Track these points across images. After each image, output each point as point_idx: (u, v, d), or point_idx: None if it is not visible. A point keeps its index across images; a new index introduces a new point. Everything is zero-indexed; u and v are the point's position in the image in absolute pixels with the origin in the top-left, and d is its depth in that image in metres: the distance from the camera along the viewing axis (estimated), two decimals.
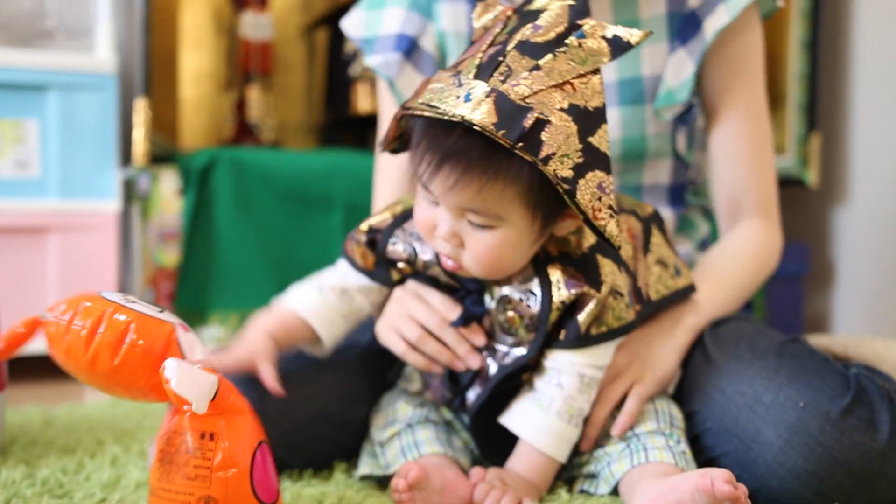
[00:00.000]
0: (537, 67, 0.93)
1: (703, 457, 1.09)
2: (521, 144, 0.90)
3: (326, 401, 1.16)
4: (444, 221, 0.98)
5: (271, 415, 1.13)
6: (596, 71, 0.95)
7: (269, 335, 1.09)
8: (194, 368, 0.87)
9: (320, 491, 1.08)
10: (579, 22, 0.96)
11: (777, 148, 2.53)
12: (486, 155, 0.92)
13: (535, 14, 0.96)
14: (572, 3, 0.97)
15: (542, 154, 0.90)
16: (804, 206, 2.68)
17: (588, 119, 0.94)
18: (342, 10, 2.65)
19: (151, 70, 2.21)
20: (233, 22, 2.66)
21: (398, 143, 1.05)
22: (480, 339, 1.06)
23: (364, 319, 1.15)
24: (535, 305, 1.02)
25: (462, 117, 0.90)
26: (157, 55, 2.34)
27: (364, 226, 1.10)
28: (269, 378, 1.06)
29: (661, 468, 1.01)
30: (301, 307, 1.11)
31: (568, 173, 0.91)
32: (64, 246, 2.06)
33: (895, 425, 0.99)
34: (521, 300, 1.02)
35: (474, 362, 1.06)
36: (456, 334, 1.07)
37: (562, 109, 0.92)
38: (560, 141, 0.91)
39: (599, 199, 0.93)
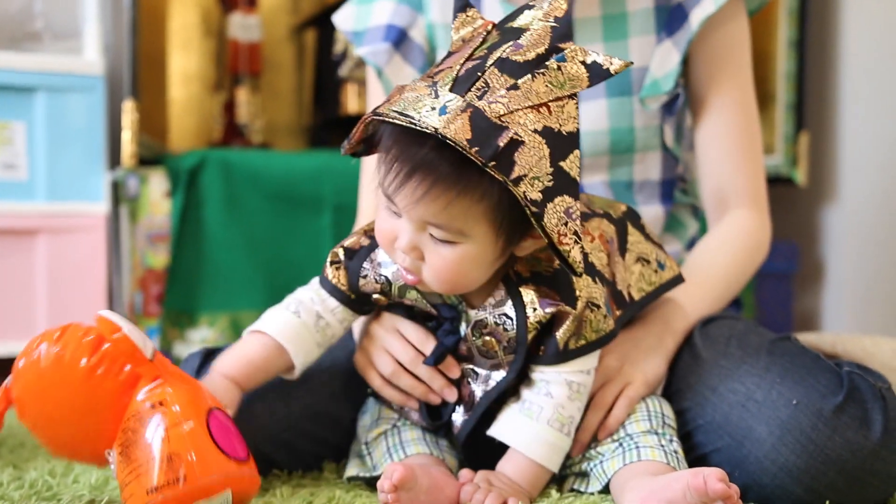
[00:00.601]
0: (515, 87, 0.91)
1: (695, 453, 1.09)
2: (493, 163, 0.88)
3: (314, 399, 1.15)
4: (404, 234, 0.96)
5: (257, 413, 1.13)
6: (573, 96, 0.94)
7: (229, 381, 1.05)
8: (132, 324, 0.95)
9: (310, 491, 1.07)
10: (561, 45, 0.94)
11: (766, 147, 2.53)
12: (456, 170, 0.91)
13: (517, 32, 0.95)
14: (555, 24, 0.95)
15: (514, 175, 0.89)
16: (793, 204, 2.68)
17: (561, 143, 0.92)
18: (331, 11, 2.64)
19: (139, 72, 2.21)
20: (221, 23, 2.65)
21: (362, 146, 1.02)
22: (455, 372, 1.06)
23: (334, 343, 1.12)
24: (511, 328, 1.01)
25: (436, 129, 0.88)
26: (145, 57, 2.33)
27: (338, 249, 1.08)
28: None
29: (653, 467, 1.01)
30: (278, 332, 1.06)
31: (537, 196, 0.90)
32: (52, 248, 2.05)
33: (888, 424, 1.00)
34: (496, 324, 1.01)
35: (450, 396, 1.07)
36: (430, 368, 1.06)
37: (535, 131, 0.91)
38: (532, 163, 0.90)
39: (566, 223, 0.92)
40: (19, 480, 1.13)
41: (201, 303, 2.15)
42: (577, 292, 1.00)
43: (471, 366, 1.06)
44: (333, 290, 1.07)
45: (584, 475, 1.08)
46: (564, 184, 0.92)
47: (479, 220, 0.94)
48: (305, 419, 1.15)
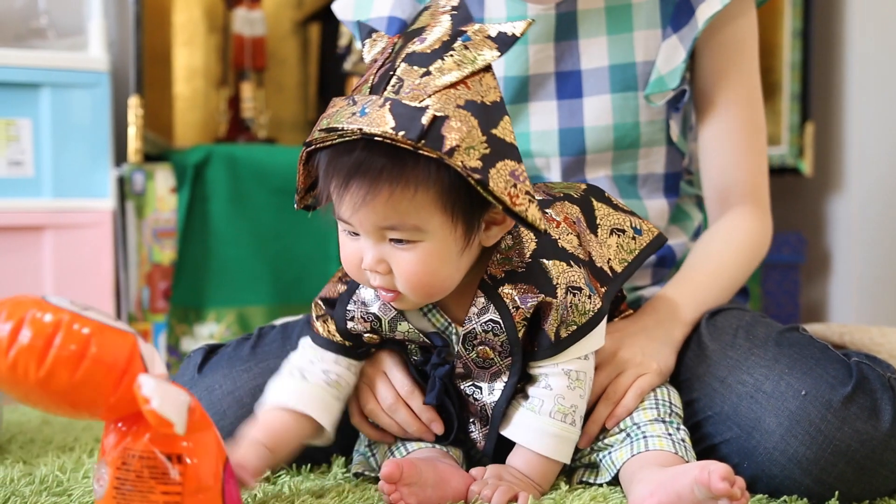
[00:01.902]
0: (428, 73, 0.92)
1: (704, 444, 1.09)
2: (422, 142, 0.88)
3: None
4: (367, 250, 0.96)
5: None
6: (487, 69, 0.94)
7: (262, 447, 1.01)
8: (170, 386, 0.79)
9: (318, 485, 1.07)
10: (463, 28, 0.95)
11: (772, 138, 2.53)
12: (390, 162, 0.91)
13: (420, 31, 0.96)
14: (454, 12, 0.96)
15: (446, 148, 0.89)
16: (799, 195, 2.68)
17: (487, 112, 0.92)
18: None
19: (144, 67, 2.21)
20: (225, 18, 2.65)
21: (311, 197, 1.02)
22: (438, 428, 1.06)
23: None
24: (500, 332, 1.00)
25: (360, 129, 0.89)
26: (150, 52, 2.33)
27: (318, 301, 1.07)
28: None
29: (662, 457, 1.01)
30: (295, 402, 1.04)
31: (476, 164, 0.90)
32: (59, 245, 2.05)
33: None
34: (485, 332, 1.01)
35: (437, 429, 1.07)
36: (407, 413, 1.06)
37: (458, 106, 0.91)
38: (462, 134, 0.90)
39: (514, 185, 0.91)
40: (30, 476, 1.13)
41: (208, 298, 2.15)
42: (555, 280, 1.00)
43: (471, 382, 1.05)
44: (328, 344, 1.06)
45: (593, 466, 1.08)
46: (502, 149, 0.92)
47: (431, 210, 0.93)
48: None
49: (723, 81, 1.27)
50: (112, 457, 0.81)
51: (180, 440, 0.80)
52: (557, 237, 1.03)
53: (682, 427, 1.06)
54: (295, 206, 1.04)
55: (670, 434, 1.03)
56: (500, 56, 0.94)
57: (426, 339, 1.05)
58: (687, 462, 1.01)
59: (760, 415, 1.04)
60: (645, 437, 1.03)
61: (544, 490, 1.03)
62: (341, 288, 1.06)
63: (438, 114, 0.89)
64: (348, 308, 1.05)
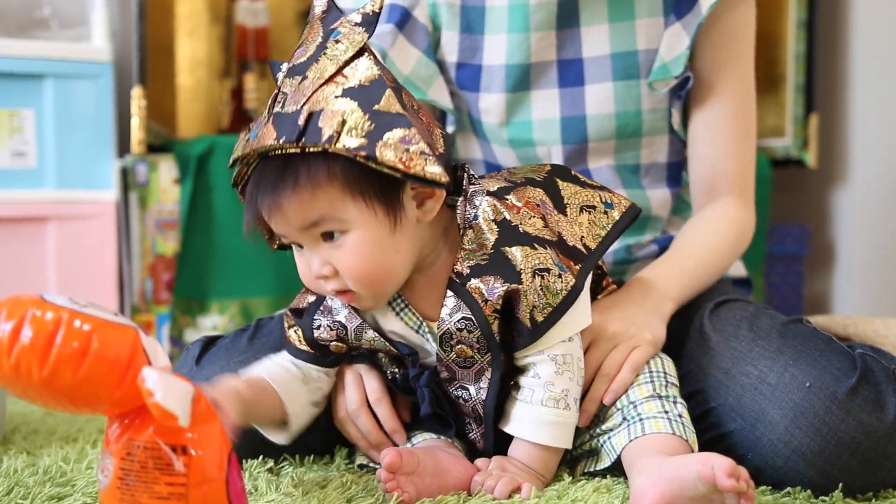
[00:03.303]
0: (305, 78, 0.95)
1: (708, 435, 1.09)
2: (303, 140, 0.92)
3: None
4: (312, 258, 0.98)
5: None
6: (360, 53, 0.96)
7: (237, 392, 0.99)
8: (173, 378, 0.78)
9: (322, 476, 1.08)
10: (333, 27, 0.98)
11: (776, 129, 2.53)
12: (283, 168, 0.94)
13: (301, 45, 1.00)
14: (322, 16, 0.99)
15: (325, 137, 0.91)
16: (803, 187, 2.68)
17: (366, 91, 0.94)
18: None
19: (147, 58, 2.20)
20: (228, 9, 2.64)
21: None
22: (404, 415, 1.09)
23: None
24: (473, 328, 1.00)
25: (252, 151, 0.94)
26: (153, 43, 2.33)
27: (287, 312, 1.09)
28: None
29: (660, 441, 1.00)
30: (270, 376, 1.06)
31: (361, 141, 0.91)
32: (62, 236, 2.05)
33: None
34: (459, 330, 1.00)
35: (399, 439, 1.08)
36: (369, 420, 1.08)
37: (336, 97, 0.93)
38: (338, 119, 0.92)
39: (406, 150, 0.93)
40: (33, 467, 1.13)
41: (212, 289, 2.16)
42: (519, 266, 0.99)
43: (458, 384, 1.05)
44: (298, 353, 1.08)
45: (595, 453, 1.07)
46: (388, 121, 0.93)
47: (342, 200, 0.95)
48: None
49: (719, 71, 1.27)
50: (116, 447, 0.81)
51: (185, 432, 0.79)
52: (518, 223, 1.01)
53: (678, 400, 1.05)
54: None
55: (667, 411, 1.02)
56: (369, 37, 0.97)
57: (392, 348, 1.05)
58: (685, 440, 1.00)
59: (764, 406, 1.04)
60: (641, 419, 1.02)
61: (547, 479, 1.03)
62: (310, 297, 1.08)
63: (314, 110, 0.92)
64: (314, 318, 1.06)
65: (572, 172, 1.11)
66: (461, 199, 1.02)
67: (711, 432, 1.09)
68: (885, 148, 2.46)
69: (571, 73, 1.27)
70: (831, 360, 1.03)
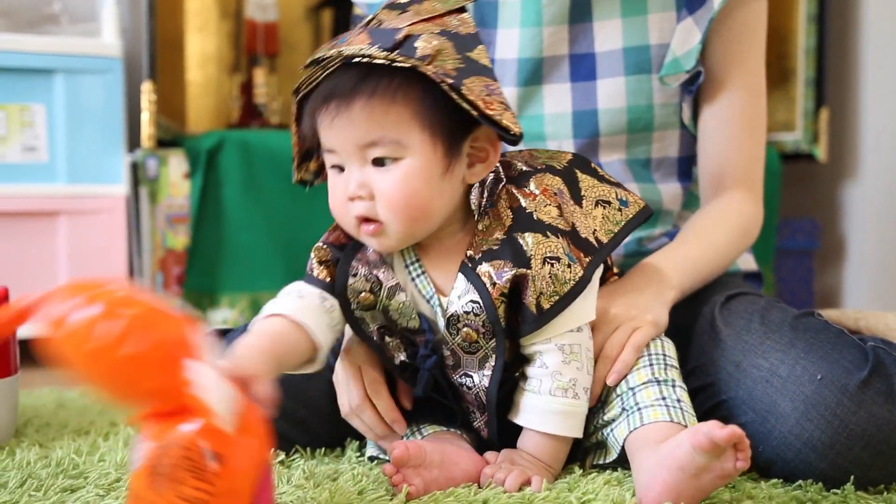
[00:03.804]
0: (405, 11, 0.96)
1: None
2: (396, 52, 0.92)
3: (330, 378, 1.15)
4: (351, 176, 0.96)
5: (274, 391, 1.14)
6: (461, 10, 0.98)
7: (272, 357, 0.94)
8: (221, 379, 0.78)
9: (333, 468, 1.08)
10: None
11: (786, 124, 2.52)
12: (366, 76, 0.93)
13: None
14: None
15: (419, 54, 0.92)
16: (814, 181, 2.67)
17: (462, 39, 0.96)
18: None
19: (157, 53, 2.21)
20: (238, 4, 2.65)
21: (306, 170, 1.06)
22: (406, 404, 1.08)
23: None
24: (480, 311, 0.99)
25: (339, 52, 0.93)
26: (163, 39, 2.34)
27: (323, 246, 1.05)
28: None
29: (657, 430, 0.99)
30: (291, 311, 1.00)
31: (451, 71, 0.93)
32: (73, 230, 2.06)
33: None
34: (466, 313, 1.00)
35: (399, 429, 1.07)
36: (373, 413, 1.07)
37: (433, 33, 0.95)
38: (436, 47, 0.93)
39: (489, 95, 0.94)
40: (46, 459, 1.14)
41: (222, 283, 2.16)
42: (529, 252, 0.99)
43: (462, 371, 1.05)
44: (323, 285, 1.03)
45: (602, 445, 1.07)
46: (477, 68, 0.95)
47: (410, 125, 0.94)
48: (323, 398, 1.15)
49: (730, 66, 1.27)
50: (155, 436, 0.79)
51: (225, 440, 0.78)
52: (533, 209, 1.02)
53: (677, 384, 1.04)
54: (292, 179, 1.07)
55: (664, 398, 1.01)
56: (472, 1, 0.98)
57: (416, 318, 1.03)
58: (685, 426, 0.99)
59: (776, 399, 1.03)
60: (639, 408, 1.01)
61: (556, 470, 1.03)
62: (341, 239, 1.04)
63: (411, 33, 0.93)
64: (352, 263, 1.03)
65: (591, 165, 1.11)
66: (477, 184, 1.02)
67: None
68: None
69: (583, 68, 1.27)
70: (843, 352, 1.03)
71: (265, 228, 2.17)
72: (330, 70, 0.94)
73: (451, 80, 0.92)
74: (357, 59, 0.93)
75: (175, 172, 2.14)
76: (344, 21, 2.63)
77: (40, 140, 2.05)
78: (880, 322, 1.47)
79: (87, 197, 2.07)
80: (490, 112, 0.94)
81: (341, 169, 0.98)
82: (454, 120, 0.95)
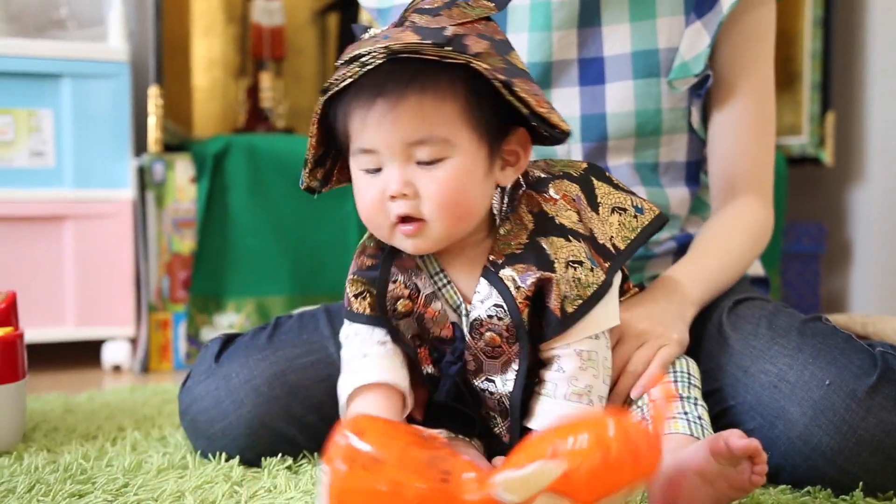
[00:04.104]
0: (438, 14, 0.95)
1: None
2: (449, 48, 0.91)
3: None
4: (392, 178, 0.94)
5: (279, 395, 1.14)
6: (488, 18, 0.98)
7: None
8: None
9: None
10: None
11: (792, 127, 2.52)
12: (417, 72, 0.92)
13: None
14: None
15: (471, 51, 0.92)
16: (820, 185, 2.67)
17: (501, 44, 0.96)
18: None
19: (164, 58, 2.21)
20: (244, 8, 2.65)
21: (315, 179, 1.06)
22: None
23: None
24: (504, 314, 0.99)
25: (385, 47, 0.90)
26: (169, 43, 2.34)
27: (355, 277, 1.04)
28: None
29: (676, 442, 0.99)
30: (368, 377, 1.00)
31: (500, 70, 0.93)
32: (80, 234, 2.06)
33: None
34: (490, 317, 0.99)
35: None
36: None
37: (476, 35, 0.95)
38: (483, 46, 0.93)
39: (536, 94, 0.95)
40: (54, 464, 1.14)
41: (228, 288, 2.16)
42: (552, 256, 0.98)
43: (484, 376, 1.04)
44: (368, 319, 1.03)
45: None
46: (518, 71, 0.95)
47: (458, 123, 0.94)
48: (332, 403, 1.15)
49: (739, 71, 1.27)
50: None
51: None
52: (555, 214, 1.02)
53: (699, 402, 1.04)
54: (301, 183, 1.05)
55: (686, 412, 1.02)
56: (497, 11, 0.98)
57: (450, 325, 1.02)
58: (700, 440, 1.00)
59: (784, 404, 1.03)
60: None
61: None
62: (369, 261, 1.04)
63: (458, 32, 0.93)
64: (392, 269, 1.02)
65: (606, 173, 1.12)
66: (497, 190, 1.02)
67: None
68: None
69: (592, 72, 1.27)
70: (851, 358, 1.03)
71: (271, 233, 2.18)
72: (369, 68, 0.92)
73: (503, 77, 0.92)
74: (404, 56, 0.91)
75: (181, 177, 2.14)
76: (350, 25, 2.64)
77: (47, 145, 2.06)
78: (888, 326, 1.47)
79: (93, 201, 2.07)
80: (540, 110, 0.94)
81: (374, 171, 0.97)
82: (499, 119, 0.96)
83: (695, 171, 1.33)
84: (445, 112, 0.93)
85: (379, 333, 1.03)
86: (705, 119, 1.31)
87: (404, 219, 0.96)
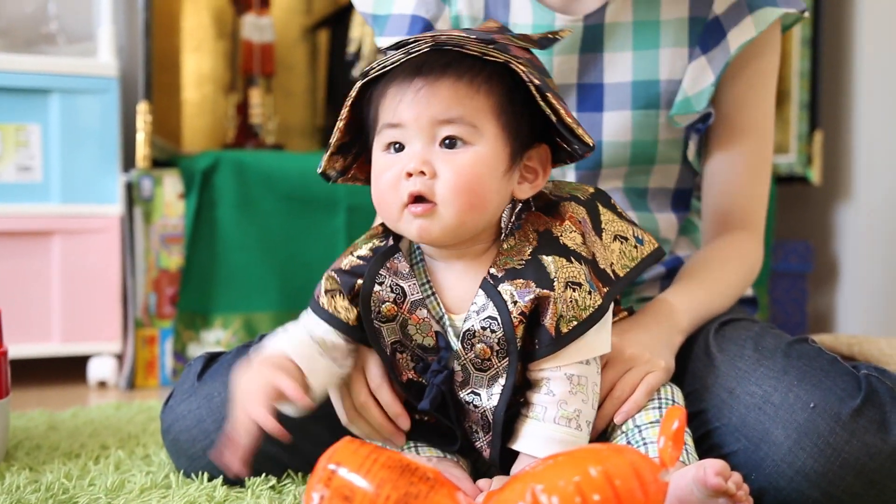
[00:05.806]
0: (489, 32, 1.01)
1: (711, 455, 1.08)
2: (492, 47, 0.95)
3: (324, 402, 1.14)
4: (413, 154, 0.97)
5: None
6: (528, 50, 1.02)
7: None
8: None
9: None
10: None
11: (780, 146, 2.53)
12: (457, 60, 0.96)
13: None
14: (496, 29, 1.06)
15: (512, 54, 0.96)
16: (807, 203, 2.68)
17: (538, 66, 1.01)
18: (344, 12, 2.65)
19: (153, 73, 2.21)
20: (234, 24, 2.65)
21: (334, 168, 1.06)
22: (404, 423, 1.06)
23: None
24: (498, 328, 0.99)
25: (433, 36, 0.95)
26: (159, 58, 2.34)
27: (334, 273, 1.04)
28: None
29: None
30: (292, 350, 1.03)
31: (536, 78, 0.96)
32: (67, 250, 2.05)
33: None
34: (483, 329, 1.00)
35: (403, 424, 1.06)
36: (378, 413, 1.06)
37: (519, 50, 1.00)
38: (523, 60, 0.97)
39: (566, 108, 0.99)
40: (36, 483, 1.13)
41: (215, 304, 2.16)
42: (553, 275, 0.99)
43: (470, 389, 1.04)
44: (328, 318, 1.04)
45: None
46: (551, 88, 0.99)
47: (488, 116, 0.97)
48: (315, 423, 1.14)
49: (741, 109, 1.27)
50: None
51: None
52: (559, 234, 1.03)
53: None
54: (318, 167, 1.06)
55: None
56: (539, 48, 1.03)
57: (434, 334, 1.03)
58: (686, 466, 1.00)
59: (769, 426, 1.03)
60: (645, 443, 1.02)
61: None
62: (359, 258, 1.04)
63: (503, 41, 0.97)
64: (380, 272, 1.03)
65: (612, 201, 1.14)
66: (508, 206, 1.04)
67: (714, 453, 1.08)
68: (890, 165, 2.46)
69: (591, 99, 1.27)
70: (836, 380, 1.03)
71: (259, 249, 2.17)
72: (414, 55, 0.96)
73: (537, 82, 0.96)
74: (448, 48, 0.95)
75: (170, 192, 2.14)
76: (340, 42, 2.64)
77: (35, 160, 2.05)
78: (874, 348, 1.47)
79: (81, 217, 2.07)
80: (568, 120, 0.98)
81: (398, 149, 0.99)
82: (526, 127, 0.99)
83: (682, 197, 1.34)
84: (478, 101, 0.97)
85: (328, 332, 1.03)
86: (700, 151, 1.31)
87: (417, 199, 0.97)
